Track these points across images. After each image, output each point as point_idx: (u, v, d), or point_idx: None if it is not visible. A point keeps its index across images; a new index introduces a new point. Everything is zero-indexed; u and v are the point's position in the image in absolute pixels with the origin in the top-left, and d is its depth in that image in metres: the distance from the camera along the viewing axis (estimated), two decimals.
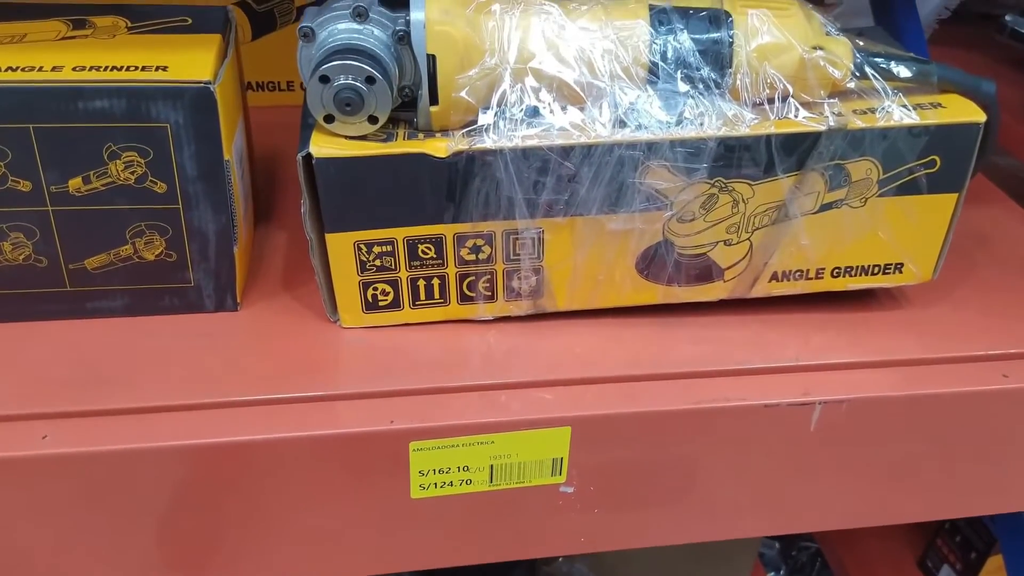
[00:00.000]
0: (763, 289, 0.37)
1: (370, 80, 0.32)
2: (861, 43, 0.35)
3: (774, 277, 0.37)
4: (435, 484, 0.34)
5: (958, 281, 0.41)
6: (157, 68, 0.32)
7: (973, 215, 0.46)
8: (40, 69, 0.31)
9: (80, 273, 0.35)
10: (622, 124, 0.33)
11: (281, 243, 0.42)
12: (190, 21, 0.36)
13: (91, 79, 0.31)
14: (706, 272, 0.37)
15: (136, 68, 0.32)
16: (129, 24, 0.36)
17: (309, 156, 0.32)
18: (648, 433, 0.34)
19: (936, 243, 0.37)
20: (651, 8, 0.33)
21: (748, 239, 0.36)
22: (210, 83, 0.32)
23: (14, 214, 0.33)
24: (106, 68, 0.32)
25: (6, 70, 0.31)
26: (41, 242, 0.34)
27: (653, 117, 0.33)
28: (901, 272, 0.38)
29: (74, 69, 0.31)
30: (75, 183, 0.33)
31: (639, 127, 0.33)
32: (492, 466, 0.34)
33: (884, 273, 0.37)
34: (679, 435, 0.35)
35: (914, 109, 0.34)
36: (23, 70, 0.31)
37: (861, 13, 0.75)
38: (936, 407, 0.36)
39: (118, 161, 0.33)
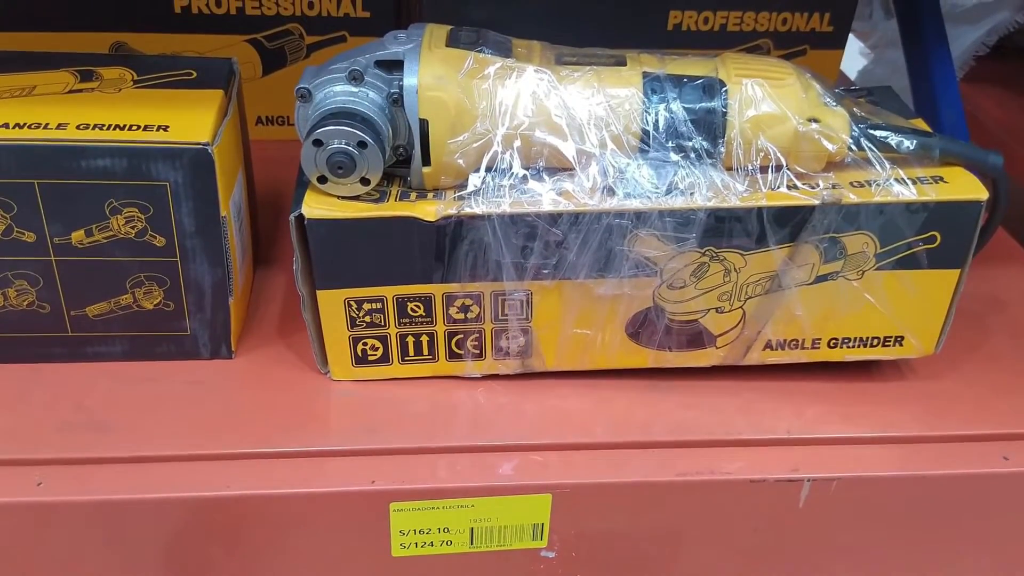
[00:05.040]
0: (757, 357, 0.38)
1: (362, 144, 0.34)
2: (861, 113, 0.35)
3: (768, 346, 0.38)
4: (415, 543, 0.35)
5: (966, 351, 0.41)
6: (158, 128, 0.34)
7: (989, 275, 0.46)
8: (46, 126, 0.34)
9: (81, 319, 0.37)
10: (611, 192, 0.34)
11: (280, 287, 0.44)
12: (194, 75, 0.38)
13: (94, 138, 0.33)
14: (698, 338, 0.38)
15: (138, 127, 0.34)
16: (135, 77, 0.38)
17: (301, 216, 0.34)
18: (630, 502, 0.35)
19: (938, 318, 0.37)
20: (645, 75, 0.35)
21: (741, 307, 0.37)
22: (208, 144, 0.34)
23: (18, 263, 0.36)
24: (109, 127, 0.34)
25: (14, 127, 0.34)
26: (44, 290, 0.36)
27: (642, 186, 0.34)
28: (902, 345, 0.38)
29: (78, 127, 0.34)
30: (78, 235, 0.35)
31: (628, 195, 0.34)
32: (472, 529, 0.35)
33: (884, 345, 0.38)
34: (662, 506, 0.35)
35: (913, 184, 0.34)
36: (30, 127, 0.34)
37: (896, 43, 0.75)
38: (930, 488, 0.36)
39: (119, 216, 0.35)
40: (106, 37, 0.53)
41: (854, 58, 0.94)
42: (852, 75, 0.96)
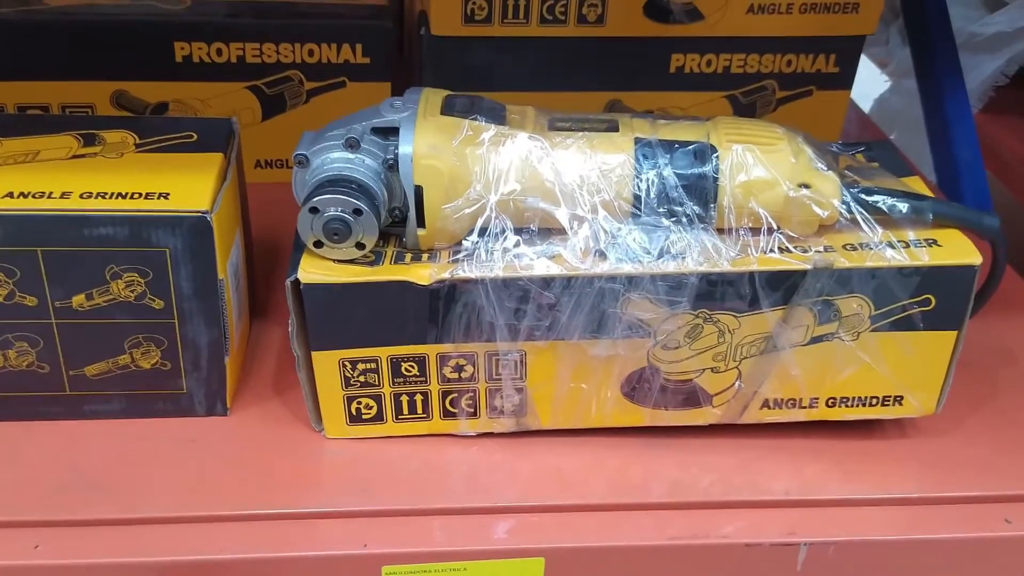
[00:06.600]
0: (754, 416, 0.40)
1: (357, 212, 0.35)
2: (854, 176, 0.37)
3: (765, 404, 0.39)
4: None
5: (972, 405, 0.42)
6: (159, 195, 0.36)
7: (1000, 326, 0.47)
8: (50, 196, 0.36)
9: (79, 379, 0.39)
10: (603, 256, 0.36)
11: (275, 338, 0.46)
12: (195, 137, 0.41)
13: (96, 208, 0.36)
14: (694, 397, 0.39)
15: (139, 195, 0.36)
16: (137, 140, 0.40)
17: (297, 281, 0.36)
18: (624, 566, 0.37)
19: (937, 378, 0.38)
20: (637, 141, 0.36)
21: (736, 367, 0.38)
22: (207, 212, 0.36)
23: (19, 325, 0.38)
24: (111, 195, 0.36)
25: (18, 196, 0.36)
26: (44, 351, 0.39)
27: (634, 250, 0.36)
28: (901, 404, 0.39)
29: (81, 196, 0.36)
30: (78, 299, 0.37)
31: (619, 260, 0.36)
32: None
33: (883, 405, 0.39)
34: (656, 569, 0.37)
35: (906, 247, 0.36)
36: (34, 196, 0.36)
37: (912, 72, 0.76)
38: (929, 552, 0.37)
39: (119, 281, 0.37)
40: (108, 86, 0.56)
41: (873, 82, 0.96)
42: (870, 101, 0.97)
